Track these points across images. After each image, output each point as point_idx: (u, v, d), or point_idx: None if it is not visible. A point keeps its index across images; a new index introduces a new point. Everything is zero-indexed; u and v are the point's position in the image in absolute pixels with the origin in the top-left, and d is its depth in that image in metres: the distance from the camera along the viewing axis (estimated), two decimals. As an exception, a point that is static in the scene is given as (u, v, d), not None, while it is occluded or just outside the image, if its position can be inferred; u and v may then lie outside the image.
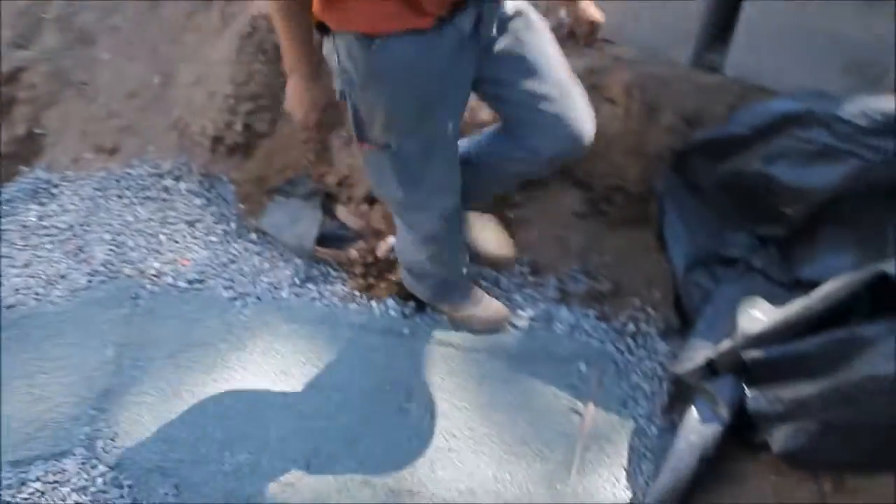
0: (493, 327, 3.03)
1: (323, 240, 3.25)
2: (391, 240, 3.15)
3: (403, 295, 3.13)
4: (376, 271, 3.18)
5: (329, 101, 2.30)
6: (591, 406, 2.88)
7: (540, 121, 2.42)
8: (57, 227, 3.39)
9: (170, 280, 3.20)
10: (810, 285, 2.53)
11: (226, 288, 3.19)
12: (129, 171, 3.47)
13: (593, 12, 2.53)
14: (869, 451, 2.31)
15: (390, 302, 3.14)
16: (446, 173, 2.49)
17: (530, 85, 2.36)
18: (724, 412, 2.54)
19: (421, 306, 3.13)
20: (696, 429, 2.57)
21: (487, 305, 3.03)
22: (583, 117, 2.46)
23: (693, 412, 2.61)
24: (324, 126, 2.49)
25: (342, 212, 3.27)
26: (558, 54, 2.42)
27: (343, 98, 2.23)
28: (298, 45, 2.14)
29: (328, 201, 3.30)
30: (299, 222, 3.25)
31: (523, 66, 2.34)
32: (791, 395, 2.40)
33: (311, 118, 2.31)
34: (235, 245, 3.32)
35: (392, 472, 2.75)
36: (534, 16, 2.35)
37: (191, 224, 3.37)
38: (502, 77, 2.36)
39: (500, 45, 2.28)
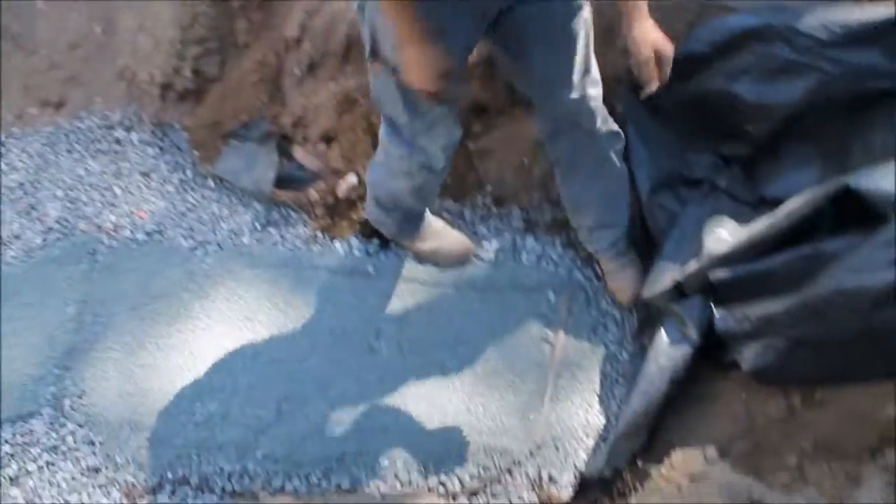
0: (458, 260, 2.96)
1: (281, 182, 3.15)
2: (351, 178, 3.06)
3: (367, 233, 3.05)
4: (338, 211, 3.08)
5: (452, 66, 2.16)
6: (561, 334, 2.83)
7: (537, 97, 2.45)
8: (7, 187, 3.25)
9: (128, 233, 3.10)
10: (775, 203, 2.48)
11: (185, 237, 3.09)
12: (78, 125, 3.33)
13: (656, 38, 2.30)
14: (837, 364, 2.27)
15: (353, 241, 3.05)
16: (451, 107, 2.43)
17: (539, 57, 2.32)
18: (694, 333, 2.49)
19: (385, 243, 3.04)
20: (666, 352, 2.52)
21: (452, 238, 2.95)
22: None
23: (662, 335, 2.56)
24: (450, 93, 2.27)
25: (299, 152, 3.16)
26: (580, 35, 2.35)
27: (360, 10, 2.21)
28: (408, 13, 2.04)
29: (284, 143, 3.19)
30: (256, 166, 3.15)
31: (539, 36, 2.30)
32: (759, 313, 2.35)
33: (435, 85, 2.17)
34: (193, 193, 3.21)
35: (364, 412, 2.69)
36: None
37: (145, 175, 3.25)
38: (515, 40, 2.33)
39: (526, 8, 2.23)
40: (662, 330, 2.57)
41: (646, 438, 2.50)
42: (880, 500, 1.81)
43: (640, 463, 2.28)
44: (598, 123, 2.55)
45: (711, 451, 1.86)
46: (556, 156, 2.67)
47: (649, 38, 2.25)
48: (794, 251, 2.32)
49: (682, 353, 2.50)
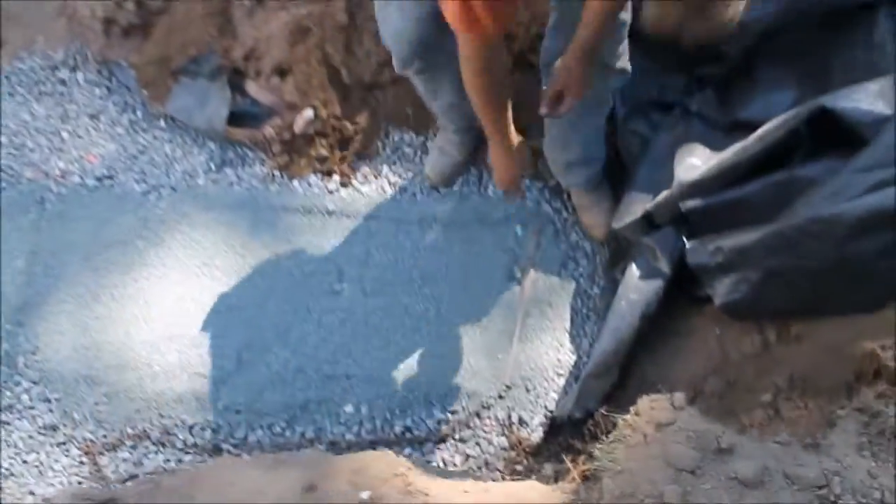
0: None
1: (236, 119, 2.95)
2: (307, 113, 2.87)
3: (326, 170, 2.87)
4: (295, 148, 2.90)
5: (524, 168, 2.37)
6: (529, 270, 2.69)
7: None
8: (-53, 136, 3.06)
9: (77, 179, 2.91)
10: (749, 127, 2.31)
11: (138, 181, 2.91)
12: (19, 66, 3.10)
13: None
14: (812, 297, 2.15)
15: (313, 179, 2.88)
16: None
17: None
18: (665, 266, 2.36)
19: (346, 181, 2.87)
20: (637, 286, 2.39)
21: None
22: None
23: (633, 269, 2.43)
24: (520, 189, 2.46)
25: (252, 87, 2.96)
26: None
27: None
28: (491, 108, 2.10)
29: (236, 78, 2.98)
30: (208, 103, 2.95)
31: None
32: (732, 244, 2.21)
33: (506, 182, 2.35)
34: (144, 135, 3.01)
35: (327, 358, 2.57)
36: None
37: (93, 117, 3.05)
38: None
39: None
40: (633, 264, 2.44)
41: (617, 377, 2.38)
42: (854, 442, 1.69)
43: (603, 410, 2.16)
44: (613, 57, 2.23)
45: (679, 398, 1.73)
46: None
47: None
48: (768, 178, 2.19)
49: (653, 287, 2.37)
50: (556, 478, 2.29)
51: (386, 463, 1.78)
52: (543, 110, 2.09)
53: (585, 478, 1.77)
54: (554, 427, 2.40)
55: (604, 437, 1.96)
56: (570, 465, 1.89)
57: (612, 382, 2.38)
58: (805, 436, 2.08)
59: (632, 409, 1.77)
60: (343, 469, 1.77)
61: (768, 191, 2.18)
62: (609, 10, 1.88)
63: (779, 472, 1.59)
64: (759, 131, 2.21)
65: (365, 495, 1.69)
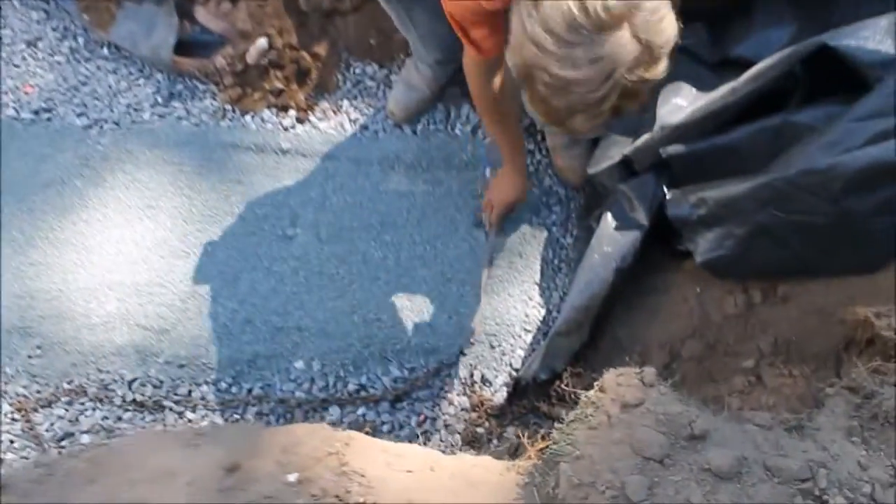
0: None
1: (184, 48, 2.67)
2: (261, 42, 2.59)
3: (281, 105, 2.60)
4: (248, 80, 2.63)
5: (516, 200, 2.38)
6: (498, 217, 2.43)
7: None
8: None
9: (11, 112, 2.64)
10: (742, 65, 2.03)
11: (78, 115, 2.64)
12: (-52, -15, 2.81)
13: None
14: (803, 256, 1.91)
15: (266, 114, 2.62)
16: None
17: None
18: (643, 217, 2.12)
19: (302, 120, 2.61)
20: (612, 237, 2.15)
21: None
22: None
23: (608, 219, 2.18)
24: (500, 222, 2.45)
25: (202, 14, 2.67)
26: None
27: None
28: (499, 126, 2.16)
29: (185, 3, 2.68)
30: (154, 31, 2.66)
31: None
32: (716, 196, 1.96)
33: (499, 207, 2.38)
34: (86, 64, 2.73)
35: (277, 310, 2.35)
36: None
37: (31, 44, 2.76)
38: None
39: None
40: (608, 213, 2.19)
41: (587, 336, 2.16)
42: (844, 425, 1.47)
43: (567, 377, 1.95)
44: None
45: (650, 374, 1.50)
46: None
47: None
48: (759, 123, 1.93)
49: (629, 239, 2.13)
50: (518, 446, 2.09)
51: (321, 439, 1.56)
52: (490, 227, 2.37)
53: (543, 456, 1.55)
54: (518, 388, 2.18)
55: (563, 414, 1.75)
56: (525, 442, 1.67)
57: (582, 341, 2.16)
58: (789, 415, 1.88)
59: (596, 384, 1.54)
60: (271, 445, 1.55)
61: (759, 138, 1.93)
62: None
63: (757, 463, 1.37)
64: (752, 71, 1.94)
65: (293, 477, 1.47)
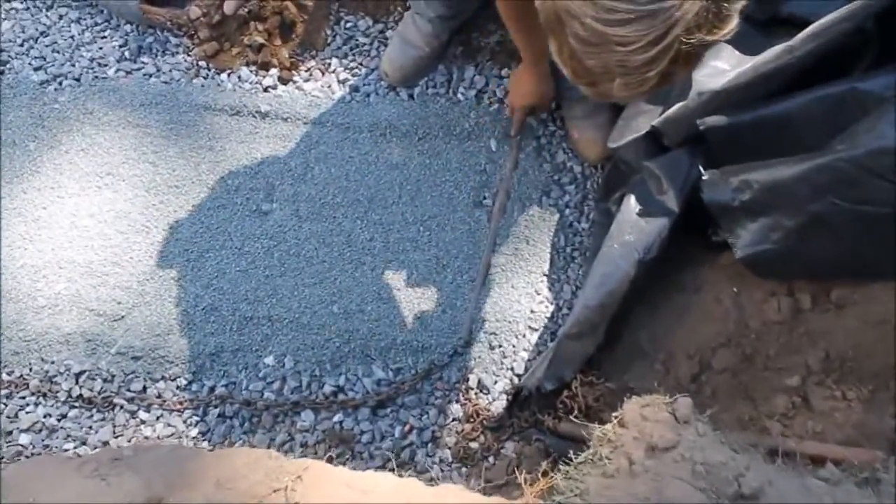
0: None
1: (156, -4, 2.31)
2: (240, -10, 2.22)
3: (261, 62, 2.24)
4: (225, 33, 2.28)
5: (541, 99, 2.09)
6: (502, 195, 2.08)
7: None
8: None
9: (-40, 63, 2.30)
10: (795, 25, 1.67)
11: (35, 69, 2.30)
12: None
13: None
14: (864, 254, 1.57)
15: (245, 72, 2.27)
16: None
17: None
18: (672, 201, 1.76)
19: (284, 79, 2.25)
20: (635, 224, 1.79)
21: None
22: None
23: (631, 202, 1.82)
24: (524, 122, 2.15)
25: (175, -44, 2.30)
26: None
27: None
28: (524, 34, 1.88)
29: (156, -57, 2.32)
30: (122, -26, 2.30)
31: None
32: (763, 179, 1.61)
33: (516, 103, 2.11)
34: (47, 13, 2.38)
35: (246, 296, 2.02)
36: None
37: (-13, -13, 2.41)
38: None
39: None
40: (631, 195, 1.83)
41: (602, 339, 1.79)
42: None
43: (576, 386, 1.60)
44: None
45: (685, 406, 1.15)
46: None
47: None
48: (818, 92, 1.57)
49: (655, 227, 1.79)
50: (519, 462, 1.74)
51: (265, 471, 1.22)
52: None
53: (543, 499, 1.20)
54: (520, 397, 1.83)
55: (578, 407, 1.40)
56: (522, 481, 1.32)
57: (597, 345, 1.80)
58: (841, 433, 1.53)
59: (614, 416, 1.18)
60: (203, 477, 1.22)
61: (817, 109, 1.57)
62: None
63: (824, 535, 1.02)
64: (812, 28, 1.58)
65: (225, 522, 1.13)
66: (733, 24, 1.08)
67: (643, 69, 1.08)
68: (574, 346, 1.80)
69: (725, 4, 1.05)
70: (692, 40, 1.04)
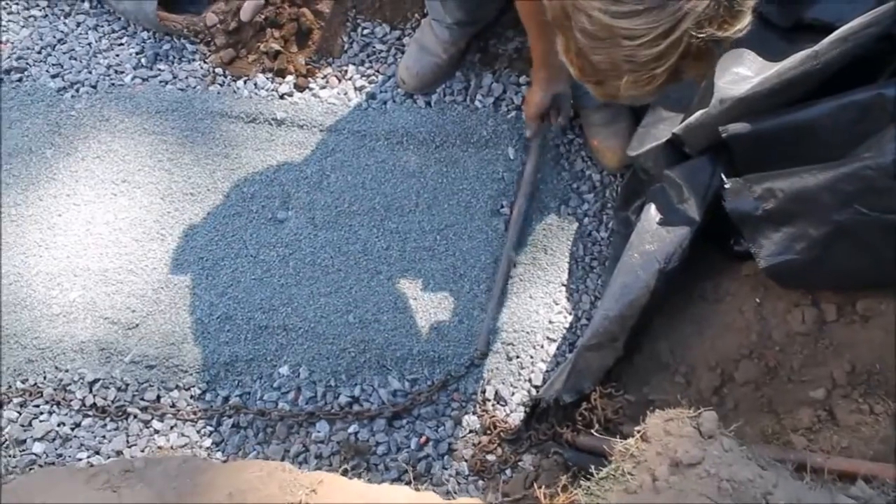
0: None
1: (173, 3, 2.31)
2: (257, -4, 2.21)
3: (278, 69, 2.23)
4: (242, 40, 2.27)
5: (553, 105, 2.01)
6: (520, 204, 2.05)
7: None
8: None
9: (-21, 71, 2.30)
10: (820, 30, 1.65)
11: (53, 76, 2.30)
12: (-83, -74, 2.47)
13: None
14: (892, 263, 1.52)
15: (261, 79, 2.26)
16: None
17: None
18: (694, 210, 1.72)
19: (300, 86, 2.24)
20: (655, 233, 1.76)
21: None
22: None
23: (651, 211, 1.78)
24: (540, 126, 2.08)
25: (192, -37, 2.30)
26: None
27: None
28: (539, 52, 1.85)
29: (173, -50, 2.32)
30: (139, -19, 2.29)
31: None
32: (788, 187, 1.58)
33: (529, 111, 2.03)
34: (65, 20, 2.39)
35: (261, 305, 2.00)
36: None
37: (5, -6, 2.42)
38: None
39: None
40: (652, 204, 1.79)
41: (622, 350, 1.76)
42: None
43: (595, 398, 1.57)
44: None
45: (710, 420, 1.11)
46: None
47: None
48: (844, 98, 1.54)
49: (676, 236, 1.75)
50: (537, 475, 1.71)
51: (279, 484, 1.19)
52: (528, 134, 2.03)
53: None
54: (538, 410, 1.80)
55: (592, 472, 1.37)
56: (540, 495, 1.29)
57: (616, 357, 1.76)
58: (867, 448, 1.49)
59: (637, 430, 1.15)
60: (215, 489, 1.20)
61: (844, 116, 1.54)
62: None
63: (855, 556, 0.98)
64: (837, 33, 1.55)
65: (238, 538, 1.11)
66: (746, 20, 1.06)
67: (651, 65, 1.06)
68: (593, 358, 1.76)
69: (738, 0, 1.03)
70: (702, 35, 1.02)
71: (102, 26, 2.38)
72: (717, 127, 1.69)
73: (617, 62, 1.06)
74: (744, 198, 1.65)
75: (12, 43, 2.35)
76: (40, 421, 1.93)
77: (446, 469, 1.82)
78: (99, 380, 1.95)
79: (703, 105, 1.73)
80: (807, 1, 1.80)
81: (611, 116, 2.04)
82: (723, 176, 1.70)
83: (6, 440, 1.90)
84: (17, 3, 2.40)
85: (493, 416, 1.86)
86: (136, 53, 2.33)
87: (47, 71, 2.31)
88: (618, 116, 2.04)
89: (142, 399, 1.94)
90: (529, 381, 1.90)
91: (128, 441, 1.90)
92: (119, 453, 1.88)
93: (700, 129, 1.73)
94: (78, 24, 2.39)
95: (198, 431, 1.91)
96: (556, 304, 1.97)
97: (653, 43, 1.03)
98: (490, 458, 1.82)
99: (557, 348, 1.92)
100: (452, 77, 2.21)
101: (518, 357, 1.92)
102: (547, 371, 1.90)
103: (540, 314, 1.96)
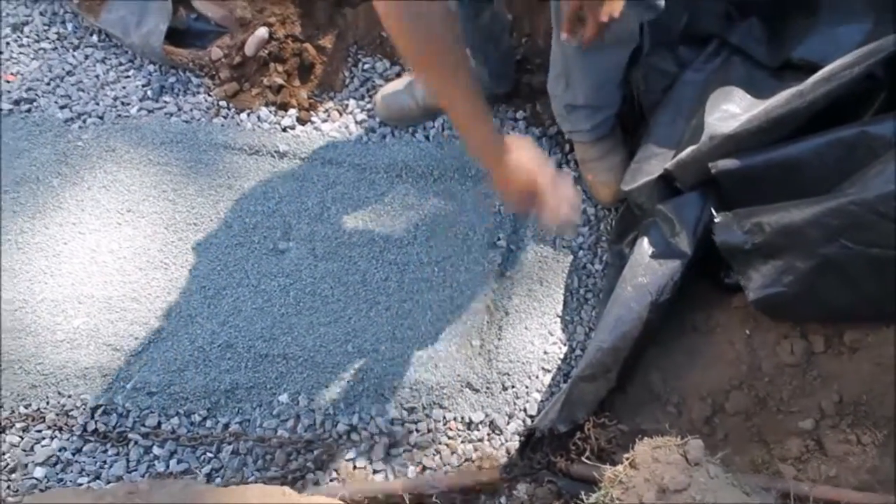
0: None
1: (179, 37, 2.38)
2: (261, 32, 2.28)
3: (280, 102, 2.29)
4: (246, 74, 2.33)
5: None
6: (516, 237, 2.10)
7: None
8: None
9: (-11, 101, 2.36)
10: (806, 69, 1.72)
11: (61, 107, 2.36)
12: (-69, -39, 2.54)
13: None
14: (877, 297, 1.58)
15: (264, 112, 2.31)
16: None
17: None
18: (685, 243, 1.77)
19: (302, 120, 2.29)
20: (648, 267, 1.80)
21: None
22: None
23: (644, 245, 1.83)
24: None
25: (198, 0, 2.36)
26: None
27: None
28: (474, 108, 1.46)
29: (181, -14, 2.39)
30: (147, 17, 2.36)
31: None
32: (776, 221, 1.63)
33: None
34: (73, 53, 2.45)
35: (262, 334, 2.03)
36: None
37: (16, 28, 2.48)
38: None
39: None
40: (644, 238, 1.84)
41: (615, 381, 1.79)
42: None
43: (589, 428, 1.60)
44: None
45: (696, 448, 1.15)
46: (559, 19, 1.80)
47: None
48: (830, 135, 1.60)
49: (668, 269, 1.79)
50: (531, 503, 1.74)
51: (279, 508, 1.22)
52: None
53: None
54: (532, 439, 1.83)
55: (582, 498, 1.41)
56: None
57: (609, 387, 1.79)
58: (856, 479, 1.52)
59: (626, 457, 1.19)
60: (218, 514, 1.23)
61: (829, 153, 1.60)
62: None
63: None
64: (824, 70, 1.61)
65: (237, 561, 1.14)
66: None
67: None
68: (587, 388, 1.80)
69: None
70: None
71: (110, 59, 2.44)
72: (707, 163, 1.74)
73: None
74: (733, 231, 1.69)
75: (22, 74, 2.41)
76: (42, 446, 1.95)
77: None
78: (101, 405, 1.97)
79: (693, 141, 1.78)
80: (792, 41, 1.87)
81: (605, 151, 2.10)
82: (713, 210, 1.75)
83: (8, 464, 1.93)
84: (27, 37, 2.46)
85: (489, 446, 1.89)
86: (143, 86, 2.39)
87: (56, 102, 2.37)
88: (612, 151, 2.09)
89: (143, 425, 1.96)
90: (524, 410, 1.93)
91: (128, 466, 1.92)
92: (119, 478, 1.90)
93: (691, 165, 1.78)
94: (86, 57, 2.45)
95: (197, 458, 1.93)
96: (552, 335, 2.01)
97: None
98: (485, 486, 1.85)
99: (552, 378, 1.96)
100: (422, 122, 2.26)
101: (513, 387, 1.95)
102: (542, 401, 1.93)
103: (535, 345, 2.00)
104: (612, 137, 2.10)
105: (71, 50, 2.45)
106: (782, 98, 1.64)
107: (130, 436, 1.95)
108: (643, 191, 1.89)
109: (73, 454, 1.95)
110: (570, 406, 1.78)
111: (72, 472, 1.92)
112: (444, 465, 1.88)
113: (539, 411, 1.90)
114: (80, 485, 1.90)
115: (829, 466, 1.57)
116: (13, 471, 1.92)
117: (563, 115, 2.08)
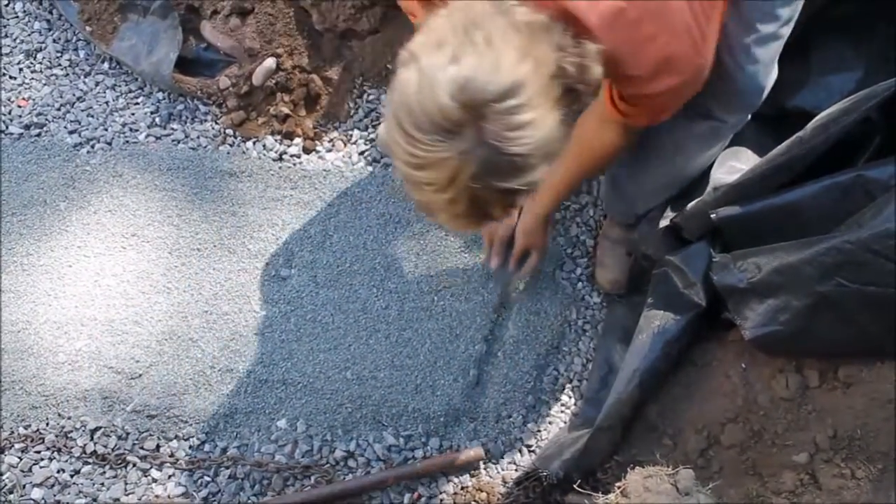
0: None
1: (188, 66, 2.40)
2: (269, 62, 2.31)
3: (286, 132, 2.31)
4: (253, 103, 2.35)
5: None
6: (514, 268, 2.11)
7: None
8: None
9: (1, 126, 2.37)
10: (802, 116, 1.73)
11: (70, 132, 2.37)
12: (-52, -11, 2.57)
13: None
14: (872, 335, 1.57)
15: (269, 141, 2.33)
16: None
17: None
18: (700, 296, 1.79)
19: (307, 149, 2.32)
20: (664, 318, 1.84)
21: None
22: None
23: (658, 295, 1.86)
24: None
25: (208, 29, 2.40)
26: None
27: None
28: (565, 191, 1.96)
29: (191, 16, 2.42)
30: (157, 45, 2.39)
31: None
32: (772, 261, 1.63)
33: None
34: (84, 79, 2.47)
35: (262, 359, 2.04)
36: None
37: (30, 54, 2.50)
38: None
39: None
40: (659, 288, 1.89)
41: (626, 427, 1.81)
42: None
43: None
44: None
45: (686, 478, 1.16)
46: None
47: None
48: (826, 180, 1.61)
49: (684, 320, 1.81)
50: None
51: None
52: (511, 268, 2.06)
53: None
54: (530, 475, 1.83)
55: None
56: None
57: (623, 433, 1.81)
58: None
59: (617, 486, 1.20)
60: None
61: (826, 197, 1.61)
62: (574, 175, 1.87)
63: None
64: (820, 118, 1.62)
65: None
66: (533, 175, 1.16)
67: (449, 208, 1.19)
68: (605, 438, 1.79)
69: (514, 159, 1.12)
70: (482, 185, 1.13)
71: (120, 86, 2.46)
72: (709, 212, 1.76)
73: (428, 202, 1.21)
74: (730, 271, 1.70)
75: (34, 100, 2.43)
76: (40, 467, 1.95)
77: (438, 525, 1.85)
78: (100, 428, 1.98)
79: (699, 194, 1.81)
80: (789, 91, 1.90)
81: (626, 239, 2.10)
82: (711, 251, 1.77)
83: (6, 485, 1.92)
84: (40, 63, 2.49)
85: (485, 475, 1.89)
86: (151, 113, 2.41)
87: (65, 127, 2.39)
88: (620, 243, 2.09)
89: (142, 448, 1.96)
90: (521, 440, 1.94)
91: (126, 489, 1.92)
92: (117, 500, 1.90)
93: (696, 216, 1.80)
94: (97, 84, 2.47)
95: (195, 481, 1.93)
96: (549, 367, 2.02)
97: (443, 189, 1.15)
98: (481, 515, 1.85)
99: (549, 409, 1.96)
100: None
101: (510, 417, 1.96)
102: (538, 430, 1.94)
103: (532, 375, 2.01)
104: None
105: (82, 76, 2.47)
106: (783, 146, 1.65)
107: (129, 458, 1.96)
108: (650, 241, 1.90)
109: (72, 475, 1.95)
110: (588, 456, 1.78)
111: (69, 493, 1.92)
112: (441, 492, 1.88)
113: (539, 455, 1.89)
114: (78, 507, 1.90)
115: (823, 500, 1.56)
116: (11, 491, 1.92)
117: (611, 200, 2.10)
